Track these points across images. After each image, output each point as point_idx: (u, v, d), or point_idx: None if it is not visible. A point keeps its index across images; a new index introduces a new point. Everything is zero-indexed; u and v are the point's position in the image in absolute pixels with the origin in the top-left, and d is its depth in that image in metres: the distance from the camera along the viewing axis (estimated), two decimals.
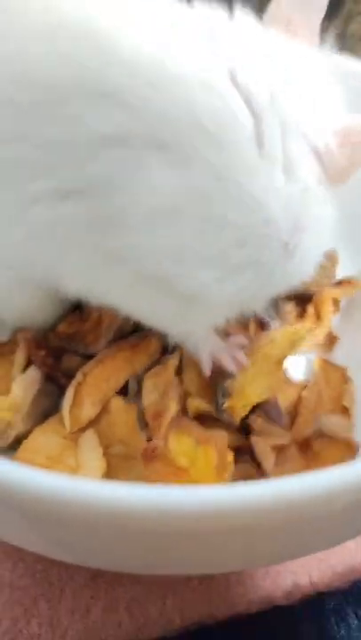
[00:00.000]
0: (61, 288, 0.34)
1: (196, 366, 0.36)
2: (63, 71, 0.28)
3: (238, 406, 0.35)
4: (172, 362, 0.35)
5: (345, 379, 0.38)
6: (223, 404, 0.35)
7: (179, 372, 0.36)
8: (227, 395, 0.35)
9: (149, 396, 0.34)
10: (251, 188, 0.28)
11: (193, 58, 0.28)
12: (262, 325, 0.42)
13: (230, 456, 0.31)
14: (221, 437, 0.32)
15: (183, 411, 0.34)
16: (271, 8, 0.33)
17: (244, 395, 0.35)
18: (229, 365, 0.35)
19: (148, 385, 0.35)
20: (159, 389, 0.34)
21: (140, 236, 0.29)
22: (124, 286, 0.32)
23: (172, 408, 0.32)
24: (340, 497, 0.22)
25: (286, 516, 0.22)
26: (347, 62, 0.45)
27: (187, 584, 0.34)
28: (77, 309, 0.40)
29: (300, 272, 0.33)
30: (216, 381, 0.36)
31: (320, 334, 0.43)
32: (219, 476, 0.30)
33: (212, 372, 0.36)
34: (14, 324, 0.39)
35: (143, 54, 0.27)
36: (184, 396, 0.35)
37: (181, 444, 0.31)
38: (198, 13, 0.31)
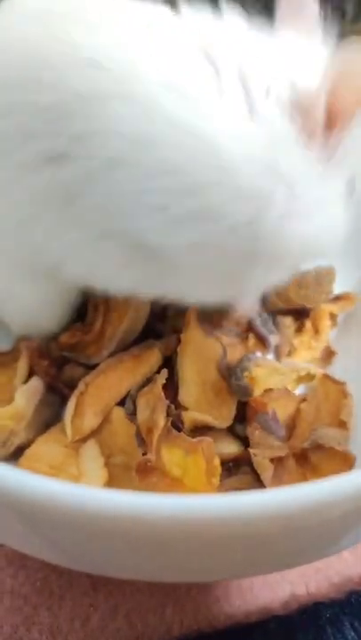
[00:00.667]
0: (67, 276, 0.33)
1: (195, 379, 0.37)
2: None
3: (255, 386, 0.36)
4: (160, 379, 0.35)
5: (344, 393, 0.39)
6: (243, 379, 0.36)
7: (169, 387, 0.36)
8: (245, 371, 0.36)
9: (143, 414, 0.34)
10: (201, 132, 0.27)
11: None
12: (261, 339, 0.43)
13: (217, 460, 0.32)
14: (208, 444, 0.32)
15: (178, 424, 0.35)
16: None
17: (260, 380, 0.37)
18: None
19: (141, 403, 0.35)
20: (150, 406, 0.34)
21: (98, 191, 0.29)
22: (114, 260, 0.31)
23: (161, 422, 0.33)
24: (335, 506, 0.22)
25: (283, 525, 0.22)
26: None
27: (186, 593, 0.35)
28: (80, 320, 0.40)
29: (287, 241, 0.30)
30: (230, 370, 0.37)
31: (318, 349, 0.43)
32: (209, 481, 0.31)
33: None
34: (19, 330, 0.40)
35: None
36: (179, 410, 0.35)
37: (173, 456, 0.32)
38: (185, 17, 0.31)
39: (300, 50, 0.31)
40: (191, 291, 0.33)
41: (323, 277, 0.43)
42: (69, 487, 0.23)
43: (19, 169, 0.30)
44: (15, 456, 0.35)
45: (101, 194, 0.29)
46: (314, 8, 0.32)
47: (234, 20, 0.31)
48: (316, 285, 0.43)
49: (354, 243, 0.45)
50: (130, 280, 0.32)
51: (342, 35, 0.59)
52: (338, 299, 0.45)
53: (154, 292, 0.34)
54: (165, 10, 0.31)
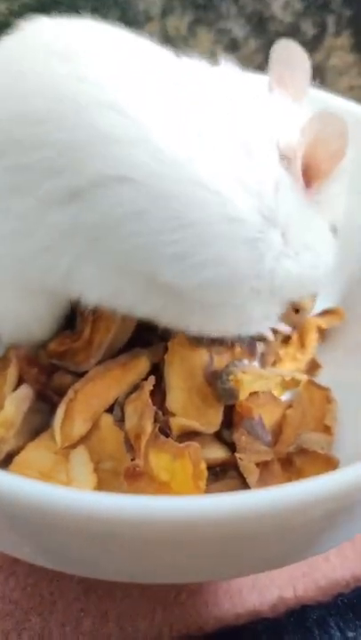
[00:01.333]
0: (81, 297, 0.35)
1: (181, 386, 0.37)
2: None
3: (240, 389, 0.37)
4: (147, 386, 0.36)
5: (328, 399, 0.39)
6: (228, 383, 0.37)
7: (157, 393, 0.37)
8: (231, 375, 0.37)
9: (131, 420, 0.35)
10: (211, 186, 0.29)
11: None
12: (249, 347, 0.43)
13: (204, 464, 0.32)
14: (194, 449, 0.33)
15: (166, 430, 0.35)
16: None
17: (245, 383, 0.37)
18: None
19: (128, 410, 0.36)
20: (138, 413, 0.35)
21: (116, 236, 0.31)
22: (130, 293, 0.33)
23: (148, 428, 0.33)
24: (317, 506, 0.23)
25: (267, 524, 0.23)
26: (327, 97, 0.47)
27: (176, 598, 0.35)
28: (68, 328, 0.41)
29: (282, 278, 0.33)
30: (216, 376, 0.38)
31: (303, 361, 0.44)
32: (196, 485, 0.31)
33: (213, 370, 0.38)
34: (10, 338, 0.40)
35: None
36: (167, 416, 0.36)
37: (161, 460, 0.32)
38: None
39: (288, 109, 0.34)
40: (204, 322, 0.36)
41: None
42: (59, 490, 0.23)
43: (43, 204, 0.31)
44: (5, 463, 0.35)
45: (119, 239, 0.31)
46: (305, 72, 0.34)
47: (230, 71, 0.34)
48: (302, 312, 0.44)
49: (339, 260, 0.46)
50: (147, 310, 0.35)
51: (325, 49, 0.61)
52: (326, 313, 0.46)
53: (169, 322, 0.36)
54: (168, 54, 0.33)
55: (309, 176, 0.32)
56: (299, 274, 0.33)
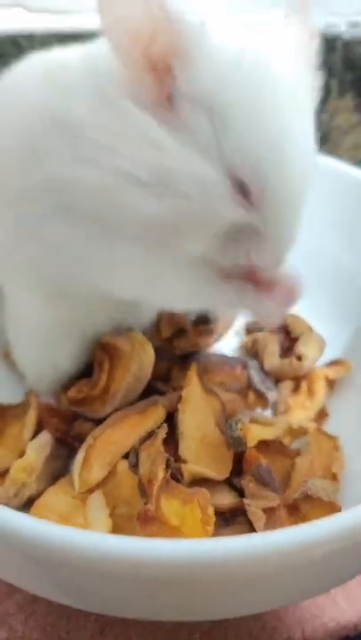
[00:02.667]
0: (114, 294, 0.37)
1: (193, 434, 0.39)
2: None
3: (248, 436, 0.38)
4: (161, 434, 0.38)
5: (336, 447, 0.41)
6: (236, 431, 0.38)
7: (170, 441, 0.39)
8: (239, 423, 0.39)
9: (144, 466, 0.36)
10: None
11: None
12: (260, 396, 0.45)
13: (211, 510, 0.34)
14: (202, 495, 0.34)
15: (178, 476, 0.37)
16: None
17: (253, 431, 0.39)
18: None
19: (143, 456, 0.37)
20: (151, 459, 0.36)
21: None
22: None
23: (160, 474, 0.35)
24: (318, 546, 0.25)
25: (270, 565, 0.25)
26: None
27: (188, 638, 0.36)
28: (86, 376, 0.43)
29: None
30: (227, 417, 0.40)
31: (312, 409, 0.45)
32: (204, 529, 0.33)
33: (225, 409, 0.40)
34: (34, 373, 0.43)
35: None
36: (179, 463, 0.37)
37: (171, 506, 0.34)
38: None
39: None
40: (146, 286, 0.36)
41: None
42: (78, 532, 0.25)
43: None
44: (26, 506, 0.37)
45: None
46: None
47: None
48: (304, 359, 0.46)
49: (345, 310, 0.48)
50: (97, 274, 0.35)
51: (329, 110, 0.64)
52: (333, 364, 0.48)
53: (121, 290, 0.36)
54: None
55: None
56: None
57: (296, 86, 0.31)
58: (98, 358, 0.42)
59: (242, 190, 0.31)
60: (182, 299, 0.37)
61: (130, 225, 0.32)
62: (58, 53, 0.35)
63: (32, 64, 0.36)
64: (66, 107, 0.32)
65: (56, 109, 0.32)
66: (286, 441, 0.41)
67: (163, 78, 0.29)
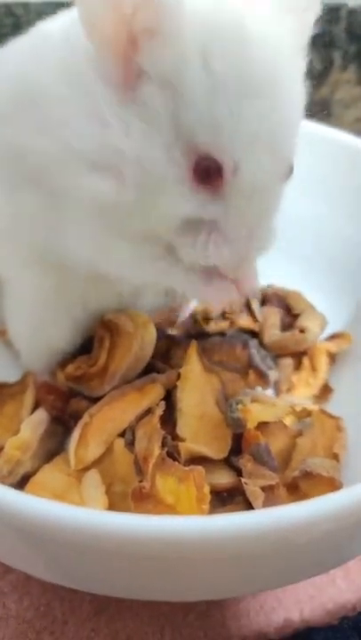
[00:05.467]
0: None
1: (192, 412, 0.38)
2: None
3: (249, 418, 0.38)
4: (158, 411, 0.37)
5: (339, 428, 0.40)
6: (236, 412, 0.38)
7: (169, 419, 0.38)
8: (240, 404, 0.38)
9: (140, 443, 0.36)
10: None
11: None
12: (261, 375, 0.44)
13: (207, 488, 0.33)
14: (198, 472, 0.34)
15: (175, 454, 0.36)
16: None
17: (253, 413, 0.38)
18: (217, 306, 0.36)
19: (139, 433, 0.37)
20: (147, 436, 0.36)
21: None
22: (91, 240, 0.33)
23: (156, 452, 0.34)
24: (318, 525, 0.24)
25: (269, 543, 0.24)
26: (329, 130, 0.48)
27: (184, 619, 0.36)
28: (85, 353, 0.42)
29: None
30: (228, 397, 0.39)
31: (316, 385, 0.45)
32: (199, 507, 0.32)
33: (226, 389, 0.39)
34: (29, 352, 0.42)
35: None
36: (176, 441, 0.37)
37: (167, 483, 0.33)
38: None
39: None
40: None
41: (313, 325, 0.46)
42: (72, 509, 0.25)
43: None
44: (21, 484, 0.36)
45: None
46: None
47: None
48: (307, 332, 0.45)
49: (347, 282, 0.48)
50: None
51: (331, 83, 0.63)
52: (334, 337, 0.47)
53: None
54: None
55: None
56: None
57: (276, 59, 0.29)
58: (98, 335, 0.42)
59: (205, 175, 0.29)
60: (128, 271, 0.35)
61: (79, 201, 0.31)
62: (54, 23, 0.34)
63: (30, 34, 0.35)
64: (35, 77, 0.31)
65: (27, 79, 0.31)
66: (288, 421, 0.41)
67: (131, 55, 0.28)
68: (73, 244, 0.34)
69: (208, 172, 0.29)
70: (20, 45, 0.34)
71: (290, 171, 0.31)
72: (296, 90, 0.31)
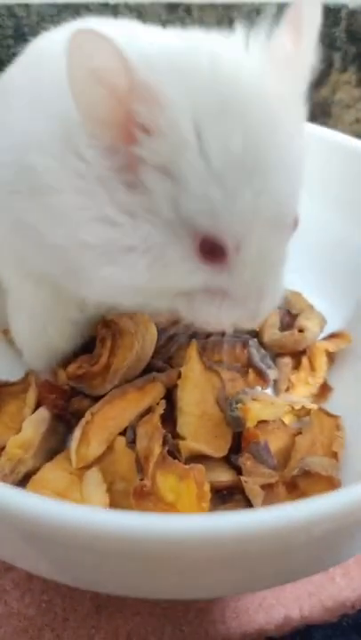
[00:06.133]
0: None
1: (193, 411, 0.39)
2: None
3: (248, 417, 0.38)
4: (158, 410, 0.38)
5: (338, 426, 0.40)
6: (236, 411, 0.38)
7: (169, 418, 0.39)
8: (239, 403, 0.39)
9: (141, 442, 0.36)
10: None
11: None
12: (260, 374, 0.45)
13: (207, 486, 0.33)
14: (198, 470, 0.34)
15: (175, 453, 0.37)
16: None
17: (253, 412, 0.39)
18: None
19: (140, 432, 0.37)
20: (148, 435, 0.36)
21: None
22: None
23: (157, 450, 0.35)
24: (317, 524, 0.24)
25: (270, 542, 0.24)
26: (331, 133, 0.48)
27: (184, 617, 0.36)
28: (87, 352, 0.42)
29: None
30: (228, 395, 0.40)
31: (315, 385, 0.45)
32: (199, 505, 0.33)
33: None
34: (31, 352, 0.43)
35: None
36: (176, 440, 0.37)
37: (167, 481, 0.34)
38: None
39: None
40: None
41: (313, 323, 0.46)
42: (74, 507, 0.25)
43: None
44: (22, 483, 0.37)
45: None
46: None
47: None
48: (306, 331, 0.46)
49: (345, 284, 0.48)
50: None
51: (331, 84, 0.63)
52: (333, 337, 0.47)
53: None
54: None
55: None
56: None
57: (275, 128, 0.28)
58: (100, 335, 0.42)
59: (210, 252, 0.29)
60: (142, 307, 0.36)
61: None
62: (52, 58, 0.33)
63: (27, 73, 0.35)
64: (34, 162, 0.31)
65: (26, 162, 0.31)
66: (288, 419, 0.41)
67: (130, 140, 0.28)
68: (84, 290, 0.35)
69: (213, 251, 0.29)
70: (19, 101, 0.34)
71: (295, 224, 0.31)
72: (296, 145, 0.30)
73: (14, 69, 0.36)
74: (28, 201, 0.32)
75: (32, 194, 0.32)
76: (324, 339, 0.47)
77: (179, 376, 0.41)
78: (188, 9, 0.59)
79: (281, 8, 0.30)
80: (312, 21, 0.30)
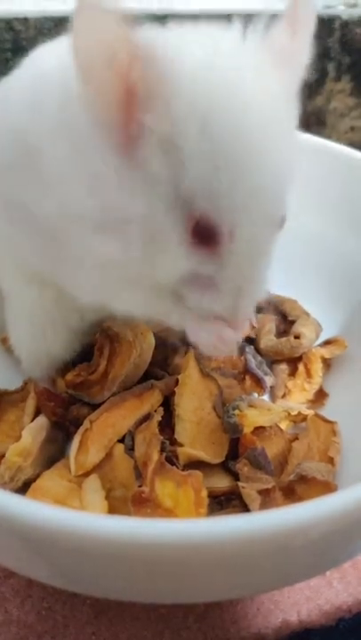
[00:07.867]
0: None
1: (190, 417, 0.39)
2: None
3: (245, 423, 0.38)
4: (156, 417, 0.38)
5: (334, 432, 0.41)
6: (233, 417, 0.38)
7: (167, 424, 0.39)
8: (236, 409, 0.39)
9: (140, 449, 0.37)
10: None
11: None
12: (257, 381, 0.45)
13: (205, 492, 0.34)
14: (196, 477, 0.34)
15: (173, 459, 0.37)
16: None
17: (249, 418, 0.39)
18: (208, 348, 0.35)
19: (138, 439, 0.37)
20: (146, 442, 0.37)
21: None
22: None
23: (155, 457, 0.35)
24: (313, 527, 0.25)
25: (267, 546, 0.25)
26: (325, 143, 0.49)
27: (183, 622, 0.36)
28: (86, 360, 0.43)
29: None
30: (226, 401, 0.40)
31: (311, 391, 0.46)
32: (197, 511, 0.33)
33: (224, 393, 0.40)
34: (29, 359, 0.43)
35: None
36: (174, 446, 0.38)
37: (165, 488, 0.34)
38: None
39: None
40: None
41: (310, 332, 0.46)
42: (73, 514, 0.25)
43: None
44: (22, 490, 0.37)
45: None
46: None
47: None
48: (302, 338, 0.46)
49: (341, 290, 0.48)
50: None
51: (326, 93, 0.64)
52: (328, 343, 0.48)
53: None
54: None
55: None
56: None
57: (273, 122, 0.29)
58: (98, 343, 0.42)
59: (203, 237, 0.29)
60: (131, 309, 0.36)
61: (84, 255, 0.32)
62: (52, 57, 0.34)
63: (28, 71, 0.35)
64: (35, 138, 0.31)
65: (26, 138, 0.32)
66: (284, 425, 0.41)
67: (130, 114, 0.28)
68: (75, 284, 0.35)
69: (206, 235, 0.29)
70: (18, 94, 0.34)
71: (282, 222, 0.31)
72: (290, 145, 0.30)
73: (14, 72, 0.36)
74: (21, 175, 0.32)
75: (25, 166, 0.32)
76: (320, 345, 0.48)
77: (176, 383, 0.41)
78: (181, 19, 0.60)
79: (274, 18, 0.30)
80: (307, 22, 0.31)
